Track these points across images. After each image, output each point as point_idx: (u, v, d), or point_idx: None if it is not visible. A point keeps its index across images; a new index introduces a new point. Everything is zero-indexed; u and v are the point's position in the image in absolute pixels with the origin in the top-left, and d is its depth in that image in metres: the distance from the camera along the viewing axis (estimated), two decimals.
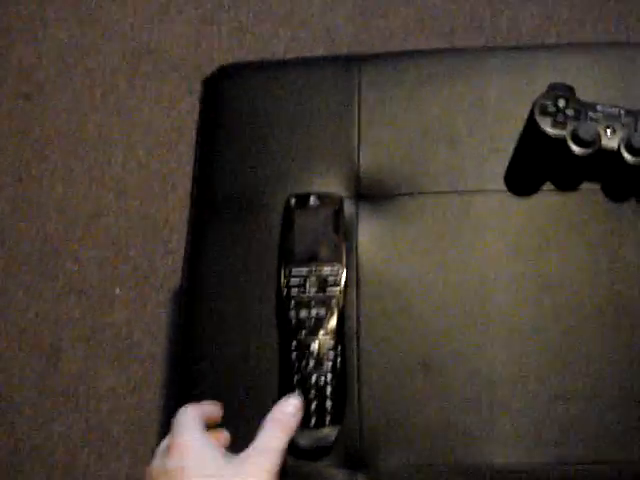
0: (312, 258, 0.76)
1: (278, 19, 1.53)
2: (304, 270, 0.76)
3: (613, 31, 1.47)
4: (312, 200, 0.79)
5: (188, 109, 1.47)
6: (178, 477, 0.57)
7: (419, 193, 0.82)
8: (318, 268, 0.75)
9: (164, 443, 0.61)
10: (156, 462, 0.60)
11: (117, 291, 1.40)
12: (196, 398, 0.71)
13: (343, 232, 0.78)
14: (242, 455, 0.60)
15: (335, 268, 0.76)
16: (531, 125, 0.78)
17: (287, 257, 0.77)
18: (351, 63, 0.87)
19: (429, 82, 0.86)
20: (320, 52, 1.49)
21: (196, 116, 1.44)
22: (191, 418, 0.63)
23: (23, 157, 1.50)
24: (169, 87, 1.51)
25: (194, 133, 1.36)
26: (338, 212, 0.79)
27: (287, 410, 0.65)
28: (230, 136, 0.88)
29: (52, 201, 1.47)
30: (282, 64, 0.95)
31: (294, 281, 0.75)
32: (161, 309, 1.37)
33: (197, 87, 1.46)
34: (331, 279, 0.75)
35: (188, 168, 1.41)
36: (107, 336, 1.38)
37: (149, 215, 1.43)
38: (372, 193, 0.82)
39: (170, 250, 1.39)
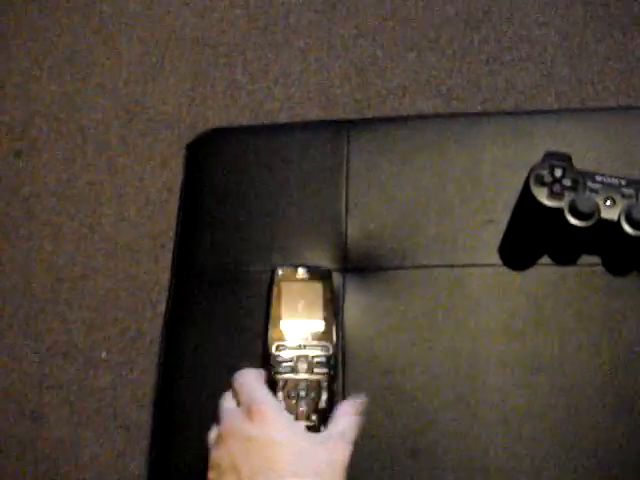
0: (301, 336, 0.71)
1: (273, 77, 1.52)
2: (292, 349, 0.70)
3: (613, 90, 1.45)
4: (300, 272, 0.74)
5: (180, 168, 1.44)
6: (268, 449, 0.56)
7: (409, 267, 0.78)
8: (307, 347, 0.70)
9: (229, 402, 0.61)
10: (231, 423, 0.59)
11: (103, 354, 1.36)
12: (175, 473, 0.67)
13: (333, 308, 0.73)
14: (326, 435, 0.60)
15: (325, 348, 0.70)
16: (526, 195, 0.75)
17: (274, 334, 0.72)
18: (340, 129, 0.84)
19: (420, 149, 0.83)
20: (315, 111, 1.47)
21: None
22: (262, 383, 0.63)
23: (12, 214, 1.48)
24: (162, 145, 1.49)
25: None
26: (327, 287, 0.74)
27: (358, 401, 0.64)
28: (214, 203, 0.84)
29: (40, 260, 1.44)
30: (269, 129, 0.92)
31: (281, 360, 0.69)
32: (148, 374, 1.33)
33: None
34: (320, 359, 0.69)
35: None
36: (92, 401, 1.34)
37: (138, 276, 1.40)
38: (360, 265, 0.79)
39: (159, 313, 1.35)
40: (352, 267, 0.79)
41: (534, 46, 1.48)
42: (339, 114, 1.45)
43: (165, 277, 1.35)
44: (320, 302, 0.73)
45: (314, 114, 1.47)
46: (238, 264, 0.81)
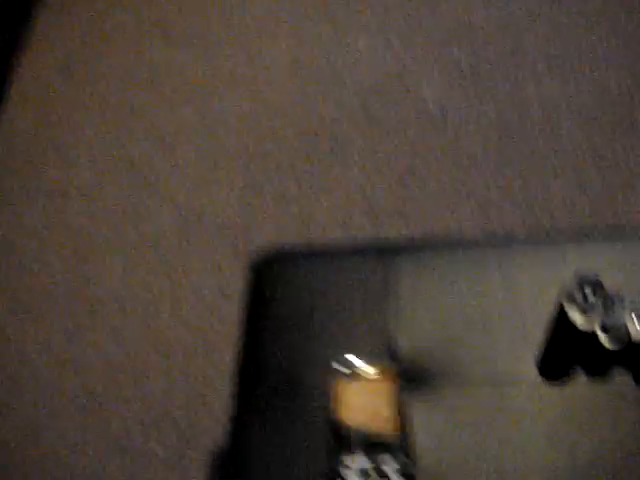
0: (370, 447, 0.65)
1: (320, 187, 1.62)
2: (364, 462, 0.64)
3: None
4: (362, 371, 0.70)
5: (232, 272, 1.53)
6: None
7: (454, 383, 0.84)
8: (379, 458, 0.64)
9: None
10: None
11: (158, 451, 1.42)
12: None
13: (400, 412, 0.68)
14: None
15: (398, 457, 0.65)
16: (560, 316, 0.82)
17: (341, 444, 0.66)
18: (389, 253, 0.92)
19: (462, 271, 0.91)
20: (359, 219, 1.56)
21: (240, 282, 1.50)
22: None
23: (74, 315, 1.57)
24: (216, 250, 1.58)
25: (238, 297, 1.41)
26: (391, 387, 0.69)
27: None
28: (275, 320, 0.92)
29: (99, 358, 1.52)
30: (324, 252, 1.00)
31: (354, 473, 0.63)
32: (201, 470, 1.38)
33: (243, 250, 1.54)
34: (393, 469, 0.63)
35: (231, 330, 1.47)
36: None
37: (191, 374, 1.47)
38: (408, 377, 0.85)
39: (211, 411, 1.42)
40: (401, 378, 0.85)
41: (566, 157, 1.57)
42: (382, 223, 1.55)
43: (217, 377, 1.43)
44: (385, 406, 0.67)
45: (359, 221, 1.56)
46: (298, 377, 0.87)
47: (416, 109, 1.67)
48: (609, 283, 0.83)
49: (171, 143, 1.73)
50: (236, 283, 1.51)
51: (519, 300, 0.88)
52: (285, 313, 0.91)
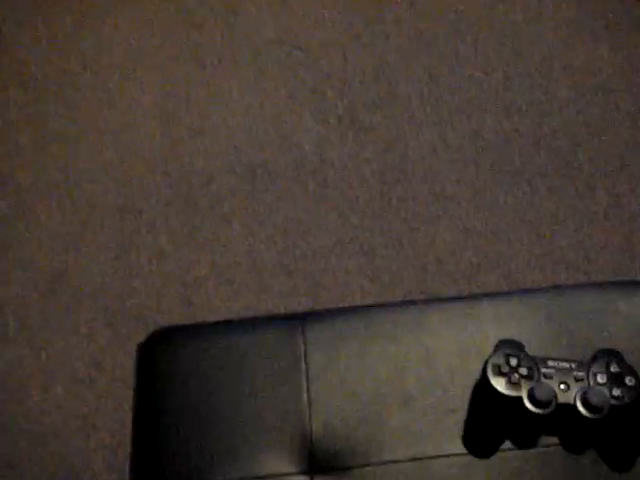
0: None
1: (198, 244, 1.52)
2: None
3: (526, 242, 1.51)
4: None
5: (107, 342, 1.41)
6: None
7: (375, 463, 0.77)
8: None
9: None
10: None
11: None
12: None
13: None
14: None
15: None
16: (485, 385, 0.77)
17: None
18: (294, 322, 0.84)
19: (375, 339, 0.84)
20: (243, 276, 1.48)
21: (117, 351, 1.39)
22: None
23: None
24: (86, 317, 1.45)
25: (113, 370, 1.32)
26: None
27: None
28: (170, 409, 0.82)
29: None
30: (223, 327, 0.91)
31: None
32: None
33: (116, 319, 1.42)
34: None
35: (109, 406, 1.34)
36: None
37: (67, 458, 1.33)
38: (327, 466, 0.78)
39: None
40: (319, 468, 0.78)
41: (449, 202, 1.55)
42: (266, 278, 1.47)
43: (98, 459, 1.30)
44: None
45: (242, 278, 1.47)
46: (200, 474, 0.78)
47: (294, 158, 1.61)
48: (529, 343, 0.79)
49: (30, 203, 1.59)
50: (110, 355, 1.39)
51: (437, 368, 0.83)
52: (181, 399, 0.81)
